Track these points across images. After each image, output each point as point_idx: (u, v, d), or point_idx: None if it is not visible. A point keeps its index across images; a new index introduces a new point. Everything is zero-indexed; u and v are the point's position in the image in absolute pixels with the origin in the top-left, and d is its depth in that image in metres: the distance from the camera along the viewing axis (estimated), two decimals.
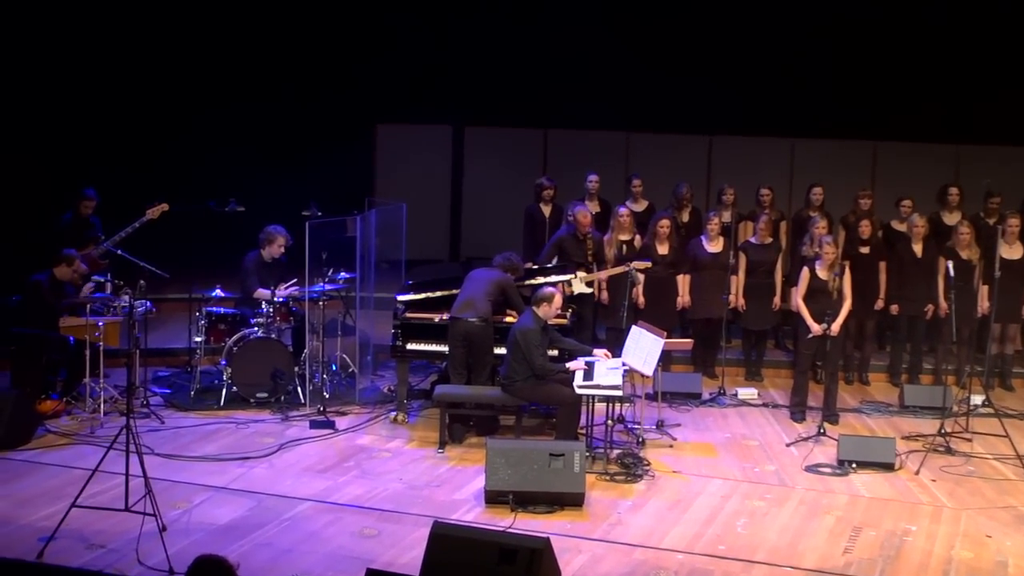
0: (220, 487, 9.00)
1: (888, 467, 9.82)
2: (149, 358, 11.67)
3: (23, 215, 13.64)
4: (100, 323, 10.74)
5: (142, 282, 9.83)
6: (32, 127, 14.84)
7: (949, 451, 10.25)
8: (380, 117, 16.75)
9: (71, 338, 10.78)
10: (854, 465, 9.81)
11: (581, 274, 11.87)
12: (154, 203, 11.83)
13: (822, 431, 10.53)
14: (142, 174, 14.94)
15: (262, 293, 11.41)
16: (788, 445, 10.48)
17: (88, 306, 10.80)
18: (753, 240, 12.48)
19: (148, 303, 11.06)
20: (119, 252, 11.54)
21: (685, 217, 13.14)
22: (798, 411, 11.27)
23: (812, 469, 9.84)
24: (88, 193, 12.06)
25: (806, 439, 10.51)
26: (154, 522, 7.84)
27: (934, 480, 9.67)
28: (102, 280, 11.11)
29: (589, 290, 12.01)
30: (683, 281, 12.37)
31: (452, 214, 16.96)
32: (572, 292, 11.77)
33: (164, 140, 15.71)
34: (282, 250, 11.75)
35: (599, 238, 12.17)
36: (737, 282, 12.34)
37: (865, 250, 12.31)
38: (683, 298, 12.37)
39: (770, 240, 12.49)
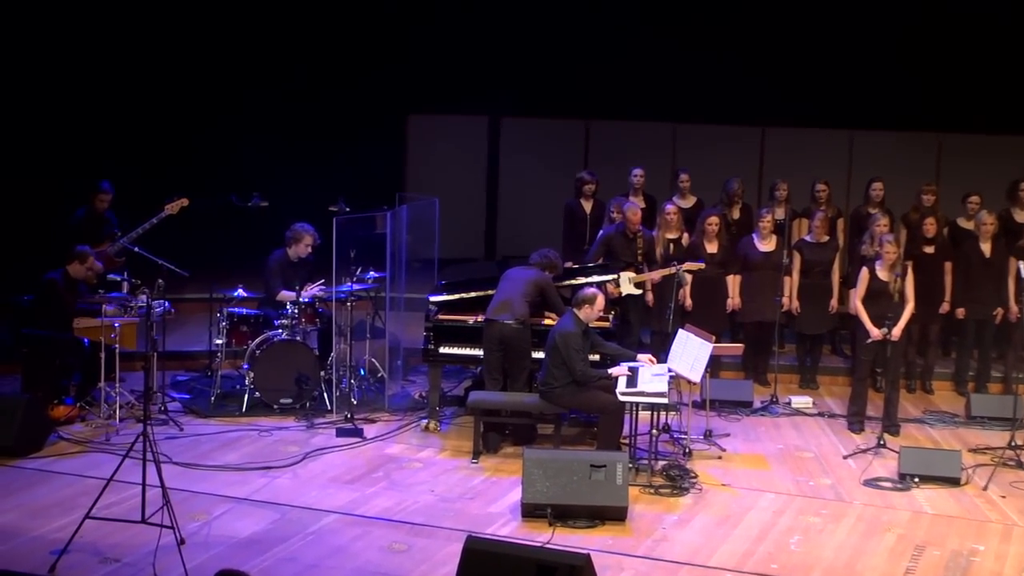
0: (242, 498, 9.04)
1: (953, 482, 9.74)
2: (167, 361, 11.75)
3: (35, 210, 13.74)
4: (116, 324, 10.80)
5: (160, 281, 9.90)
6: (46, 117, 14.97)
7: (1020, 465, 10.17)
8: (412, 107, 16.79)
9: (86, 340, 10.86)
10: (916, 479, 9.74)
11: (630, 274, 11.84)
12: (173, 198, 11.89)
13: (882, 443, 10.47)
14: (161, 167, 15.05)
15: (285, 295, 11.45)
16: (845, 457, 10.42)
17: (103, 306, 10.86)
18: (808, 238, 12.42)
19: (166, 303, 11.12)
20: (136, 249, 11.61)
21: (736, 214, 13.09)
22: (856, 421, 11.21)
23: (871, 483, 9.78)
24: (103, 186, 12.13)
25: (865, 451, 10.45)
26: (172, 535, 7.88)
27: (1003, 496, 9.59)
28: (118, 279, 11.16)
29: (639, 291, 11.98)
30: (733, 282, 12.33)
31: (487, 210, 16.97)
32: (620, 293, 11.75)
33: (184, 131, 15.80)
34: (309, 249, 11.79)
35: (650, 237, 12.14)
36: (791, 283, 12.28)
37: (929, 249, 12.22)
38: (733, 300, 12.33)
39: (826, 239, 12.43)
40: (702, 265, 11.72)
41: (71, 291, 10.98)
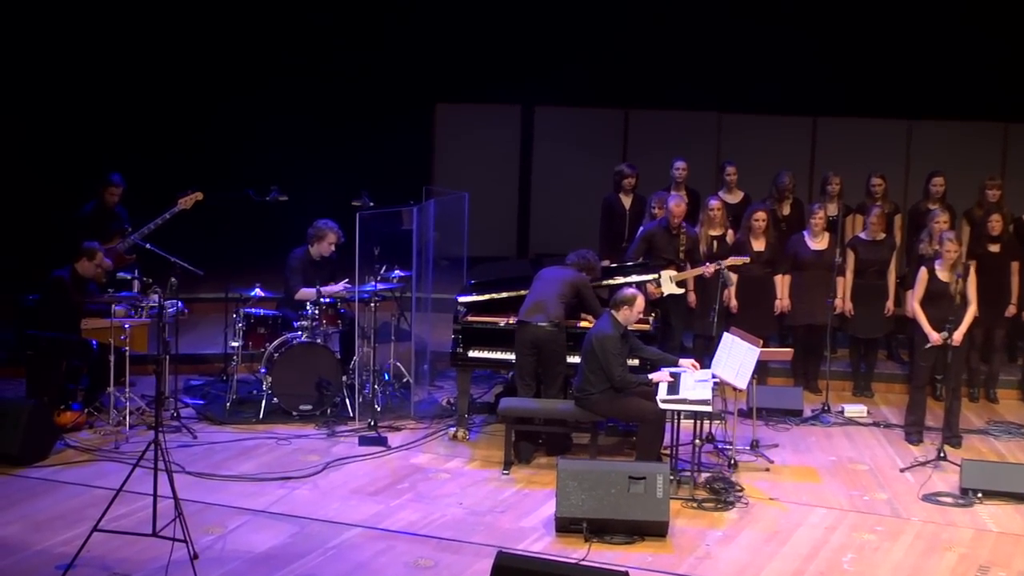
0: (258, 510, 9.06)
1: (1020, 498, 9.67)
2: (180, 365, 11.79)
3: (41, 204, 13.83)
4: (126, 325, 10.85)
5: (173, 280, 9.93)
6: (53, 106, 15.06)
7: None
8: (440, 95, 16.79)
9: (94, 342, 10.91)
10: (980, 495, 9.68)
11: (671, 273, 11.81)
12: (187, 191, 11.94)
13: (942, 455, 10.41)
14: (174, 159, 15.12)
15: (305, 293, 11.48)
16: (903, 471, 10.36)
17: (113, 306, 10.90)
18: (863, 236, 12.36)
19: (179, 303, 11.16)
20: (148, 246, 11.67)
21: (785, 210, 13.04)
22: (914, 432, 11.15)
23: (930, 498, 9.73)
24: (114, 179, 12.17)
25: (923, 464, 10.39)
26: (184, 549, 7.91)
27: None
28: (129, 277, 11.21)
29: (680, 291, 11.95)
30: (782, 282, 12.28)
31: (520, 205, 16.96)
32: (661, 294, 11.71)
33: (199, 121, 15.88)
34: (332, 248, 11.81)
35: (694, 234, 12.11)
36: (844, 284, 12.23)
37: (994, 248, 12.14)
38: (782, 301, 12.28)
39: (882, 236, 12.36)
40: (747, 259, 11.69)
41: (79, 290, 11.03)
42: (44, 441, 10.09)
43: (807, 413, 11.81)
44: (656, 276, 11.62)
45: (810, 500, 9.66)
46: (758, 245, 12.15)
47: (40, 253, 11.81)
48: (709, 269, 11.69)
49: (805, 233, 12.30)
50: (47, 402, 10.50)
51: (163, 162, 14.78)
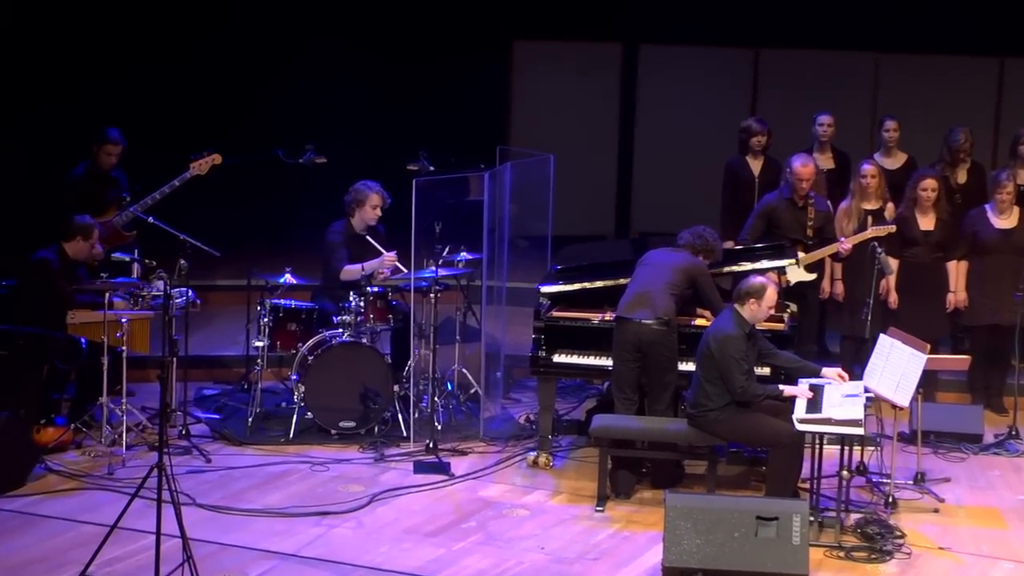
0: (288, 554, 9.10)
1: None
2: (191, 369, 11.89)
3: (20, 167, 13.98)
4: (124, 320, 10.93)
5: (183, 262, 10.02)
6: (35, 46, 15.21)
7: None
8: (518, 30, 16.81)
9: (83, 340, 11.01)
10: None
11: (800, 254, 11.75)
12: (202, 153, 12.02)
13: None
14: (183, 109, 15.22)
15: (351, 271, 11.52)
16: None
17: (107, 296, 10.98)
18: None
19: (190, 292, 11.25)
20: (150, 219, 11.75)
21: (962, 177, 12.94)
22: None
23: None
24: (111, 135, 12.24)
25: None
26: None
27: None
28: (127, 259, 11.32)
29: (811, 276, 11.89)
30: (957, 270, 12.19)
31: (620, 171, 16.99)
32: (788, 283, 11.66)
33: (213, 60, 15.94)
34: (378, 212, 11.83)
35: (824, 208, 12.03)
36: None
37: None
38: (957, 295, 12.19)
39: None
40: (892, 228, 11.70)
41: (68, 276, 11.09)
42: (20, 464, 10.17)
43: (989, 439, 11.72)
44: (793, 261, 11.55)
45: (992, 551, 9.56)
46: (926, 223, 12.06)
47: (18, 228, 11.91)
48: (845, 245, 11.64)
49: (988, 208, 12.21)
50: (24, 415, 10.60)
51: (171, 114, 14.88)
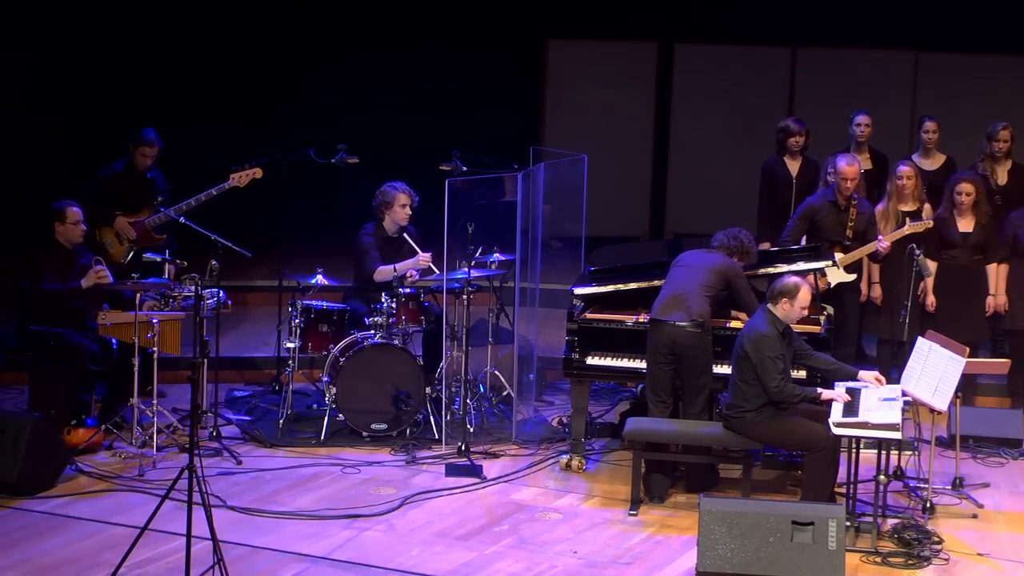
0: (318, 556, 9.13)
1: None
2: (222, 371, 11.93)
3: (53, 165, 14.02)
4: (154, 321, 10.98)
5: (214, 263, 10.06)
6: (76, 47, 15.27)
7: None
8: (552, 29, 16.82)
9: (114, 341, 11.08)
10: None
11: (838, 255, 11.74)
12: (243, 165, 12.00)
13: None
14: (225, 110, 15.23)
15: (385, 271, 11.56)
16: None
17: (138, 297, 11.03)
18: None
19: (221, 293, 11.29)
20: (182, 220, 11.78)
21: (1002, 179, 12.89)
22: None
23: None
24: (147, 136, 12.25)
25: None
26: None
27: None
28: (158, 260, 11.36)
29: (851, 277, 11.88)
30: (997, 273, 12.15)
31: (655, 171, 16.96)
32: (828, 285, 11.64)
33: (248, 62, 16.01)
34: (408, 212, 11.85)
35: (867, 209, 12.01)
36: None
37: None
38: (997, 298, 12.15)
39: None
40: (929, 223, 11.66)
41: (63, 262, 11.05)
42: (50, 466, 10.23)
43: None
44: (831, 263, 11.53)
45: None
46: (965, 225, 12.03)
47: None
48: (884, 244, 11.62)
49: None
50: (55, 416, 10.66)
51: (212, 116, 14.88)
